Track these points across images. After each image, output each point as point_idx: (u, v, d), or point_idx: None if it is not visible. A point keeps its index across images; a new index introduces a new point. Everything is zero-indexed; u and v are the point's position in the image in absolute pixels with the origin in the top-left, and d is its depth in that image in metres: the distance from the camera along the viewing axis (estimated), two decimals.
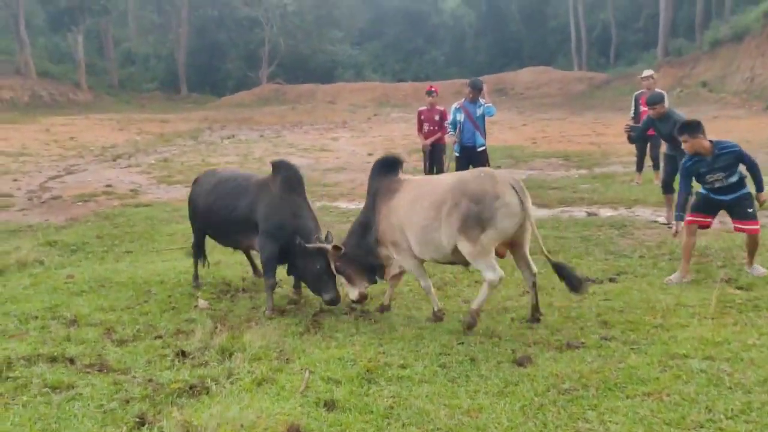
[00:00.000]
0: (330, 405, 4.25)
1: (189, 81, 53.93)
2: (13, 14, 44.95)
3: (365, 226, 6.22)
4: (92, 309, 6.49)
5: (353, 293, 6.25)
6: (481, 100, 10.90)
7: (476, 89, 10.82)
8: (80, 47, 47.00)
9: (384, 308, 6.31)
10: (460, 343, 5.36)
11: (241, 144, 25.22)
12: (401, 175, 6.15)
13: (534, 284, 5.78)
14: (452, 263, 5.99)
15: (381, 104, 43.70)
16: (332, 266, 6.23)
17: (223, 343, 5.28)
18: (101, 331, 5.90)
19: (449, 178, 5.86)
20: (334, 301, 6.27)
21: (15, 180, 17.14)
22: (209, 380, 4.66)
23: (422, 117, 12.20)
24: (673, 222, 7.35)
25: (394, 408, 4.22)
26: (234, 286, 7.42)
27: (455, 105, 11.10)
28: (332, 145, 23.62)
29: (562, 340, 5.34)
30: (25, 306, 6.63)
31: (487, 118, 10.94)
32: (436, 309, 6.00)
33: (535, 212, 6.11)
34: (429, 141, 12.00)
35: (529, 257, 5.75)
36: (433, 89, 12.43)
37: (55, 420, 4.14)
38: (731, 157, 6.83)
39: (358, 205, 12.39)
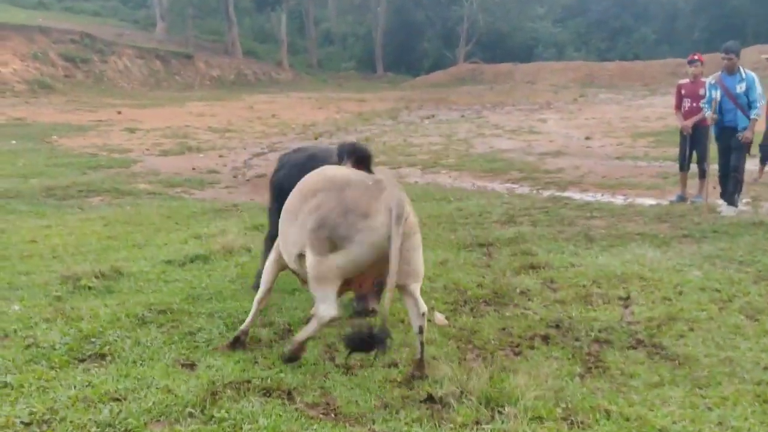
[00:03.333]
0: None
1: (385, 60, 53.75)
2: None
3: None
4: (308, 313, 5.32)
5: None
6: (742, 71, 8.90)
7: (732, 54, 8.82)
8: (283, 27, 48.12)
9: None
10: None
11: (441, 124, 24.01)
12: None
13: (421, 329, 4.29)
14: (296, 274, 4.73)
15: (585, 85, 40.85)
16: None
17: (485, 389, 3.84)
18: (321, 349, 4.70)
19: (339, 171, 4.52)
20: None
21: (221, 156, 16.97)
22: None
23: (683, 92, 10.21)
24: None
25: None
26: (471, 294, 5.98)
27: (709, 80, 9.12)
28: (541, 128, 21.75)
29: None
30: (230, 306, 5.61)
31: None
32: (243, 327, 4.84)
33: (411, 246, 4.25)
34: (690, 122, 9.98)
35: (416, 294, 4.33)
36: (696, 58, 10.39)
37: None
38: None
39: (594, 196, 10.62)
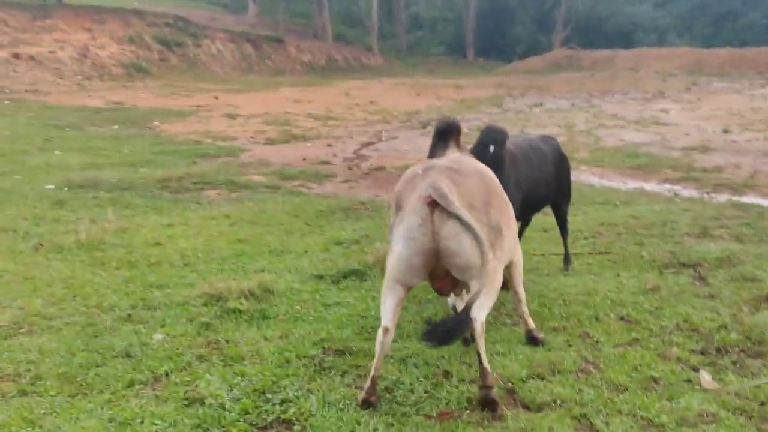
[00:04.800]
0: None
1: (476, 45, 52.14)
2: None
3: None
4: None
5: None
6: None
7: None
8: (374, 11, 47.13)
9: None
10: None
11: (554, 113, 22.49)
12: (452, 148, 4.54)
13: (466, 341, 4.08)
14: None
15: (692, 73, 38.43)
16: None
17: None
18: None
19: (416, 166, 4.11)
20: None
21: (329, 146, 16.02)
22: None
23: None
24: None
25: None
26: (719, 340, 4.70)
27: None
28: (666, 118, 20.00)
29: None
30: (418, 347, 4.52)
31: None
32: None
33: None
34: None
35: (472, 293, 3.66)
36: None
37: None
38: None
39: None
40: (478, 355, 3.65)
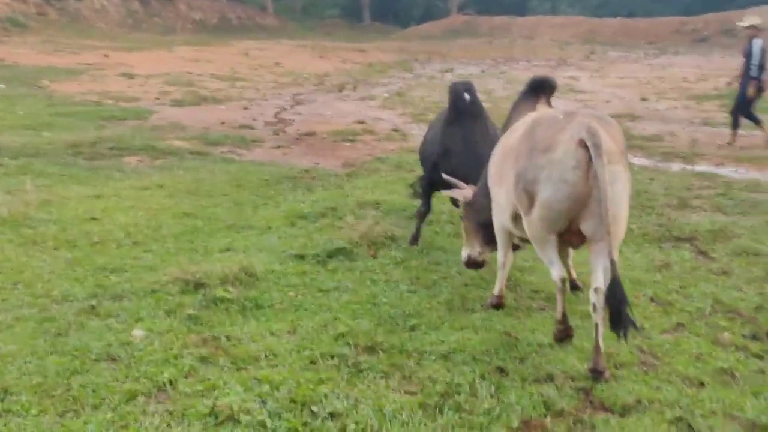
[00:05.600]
0: None
1: (371, 9, 51.29)
2: None
3: None
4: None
5: (463, 253, 4.90)
6: None
7: None
8: None
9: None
10: None
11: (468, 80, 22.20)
12: (543, 104, 4.50)
13: (594, 307, 3.61)
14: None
15: (587, 41, 39.28)
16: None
17: None
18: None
19: (532, 115, 4.09)
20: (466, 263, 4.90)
21: (246, 109, 15.06)
22: None
23: None
24: None
25: None
26: (764, 323, 4.37)
27: None
28: (579, 86, 20.11)
29: None
30: (454, 337, 3.96)
31: None
32: (496, 291, 4.49)
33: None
34: None
35: (605, 254, 3.49)
36: None
37: None
38: None
39: (747, 171, 9.13)
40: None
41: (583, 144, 3.45)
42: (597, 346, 3.53)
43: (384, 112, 14.86)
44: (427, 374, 3.48)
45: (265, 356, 3.65)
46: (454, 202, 5.59)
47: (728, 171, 9.07)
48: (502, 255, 4.48)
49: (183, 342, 3.80)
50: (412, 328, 4.08)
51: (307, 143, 11.46)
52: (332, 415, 3.06)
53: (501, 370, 3.58)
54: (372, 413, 3.07)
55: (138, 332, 3.98)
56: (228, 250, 5.65)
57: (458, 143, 5.64)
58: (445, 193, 5.33)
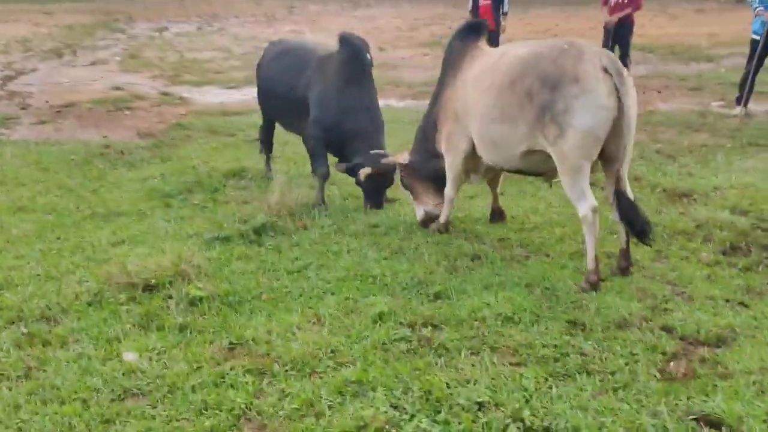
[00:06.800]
0: None
1: None
2: None
3: (431, 119, 4.88)
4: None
5: (418, 212, 5.00)
6: None
7: None
8: None
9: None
10: None
11: (193, 38, 21.05)
12: (482, 44, 4.65)
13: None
14: (523, 173, 4.49)
15: None
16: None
17: None
18: None
19: (523, 48, 4.14)
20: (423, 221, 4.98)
21: None
22: None
23: None
24: None
25: None
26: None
27: None
28: (317, 40, 20.01)
29: None
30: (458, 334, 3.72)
31: None
32: (442, 220, 4.82)
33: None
34: (615, 17, 9.68)
35: (626, 181, 3.90)
36: None
37: None
38: None
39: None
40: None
41: (606, 71, 3.60)
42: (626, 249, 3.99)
43: (132, 76, 13.41)
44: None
45: (325, 355, 3.09)
46: (349, 172, 5.37)
47: None
48: (452, 190, 4.69)
49: (205, 357, 3.08)
50: (437, 296, 3.74)
51: (74, 115, 9.96)
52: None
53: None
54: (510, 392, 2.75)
55: (130, 355, 3.15)
56: (123, 242, 4.70)
57: (360, 105, 5.37)
58: (339, 168, 5.36)
